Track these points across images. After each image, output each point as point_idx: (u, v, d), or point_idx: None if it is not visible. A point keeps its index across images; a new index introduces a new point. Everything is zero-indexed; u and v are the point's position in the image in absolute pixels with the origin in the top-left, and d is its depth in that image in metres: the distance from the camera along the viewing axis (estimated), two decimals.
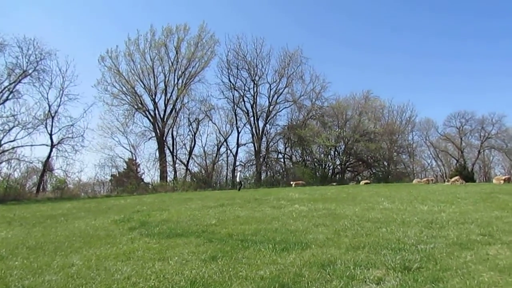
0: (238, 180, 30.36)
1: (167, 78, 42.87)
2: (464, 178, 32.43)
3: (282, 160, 50.66)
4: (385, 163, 50.14)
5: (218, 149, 46.02)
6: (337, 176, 46.97)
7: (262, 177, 43.86)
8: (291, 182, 34.03)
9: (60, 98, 36.24)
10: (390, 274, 4.89)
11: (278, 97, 47.57)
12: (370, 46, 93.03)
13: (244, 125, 47.39)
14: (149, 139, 43.15)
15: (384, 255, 5.75)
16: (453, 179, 30.50)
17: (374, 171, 50.41)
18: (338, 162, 48.93)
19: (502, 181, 26.72)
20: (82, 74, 56.64)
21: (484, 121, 52.68)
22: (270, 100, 47.34)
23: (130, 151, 42.10)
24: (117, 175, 40.74)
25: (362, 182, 35.81)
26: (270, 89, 47.55)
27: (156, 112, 42.87)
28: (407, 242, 6.63)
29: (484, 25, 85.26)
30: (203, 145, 46.41)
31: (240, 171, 31.21)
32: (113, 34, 77.99)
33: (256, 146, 46.21)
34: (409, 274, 4.83)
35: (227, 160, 47.22)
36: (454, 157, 54.56)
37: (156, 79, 42.78)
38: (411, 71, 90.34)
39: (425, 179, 36.48)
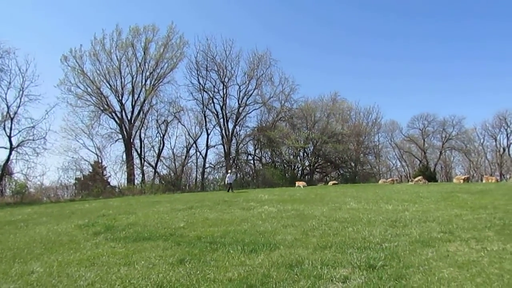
0: (228, 181, 27.83)
1: (134, 79, 41.85)
2: (427, 178, 33.65)
3: (252, 161, 50.76)
4: (352, 164, 51.27)
5: (188, 151, 45.51)
6: (306, 177, 47.51)
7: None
8: (295, 182, 33.97)
9: (20, 99, 34.29)
10: (356, 272, 5.01)
11: (247, 99, 47.66)
12: (337, 49, 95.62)
13: (214, 126, 47.13)
14: (116, 141, 41.94)
15: (350, 254, 5.88)
16: (416, 179, 31.63)
17: (341, 172, 51.43)
18: (307, 163, 49.56)
19: (461, 181, 28.02)
20: (43, 74, 53.88)
21: (445, 123, 55.05)
22: (239, 102, 47.39)
23: (96, 154, 40.67)
24: (82, 179, 39.26)
25: (330, 183, 36.38)
26: (240, 91, 47.58)
27: (123, 113, 41.72)
28: (372, 241, 6.81)
29: (447, 28, 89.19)
30: (172, 147, 45.76)
31: (230, 172, 29.89)
32: (76, 33, 75.41)
33: (225, 148, 46.05)
34: (374, 272, 4.96)
35: (197, 162, 46.76)
36: (418, 158, 56.62)
37: (123, 80, 41.64)
38: (377, 73, 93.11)
39: (390, 179, 37.59)
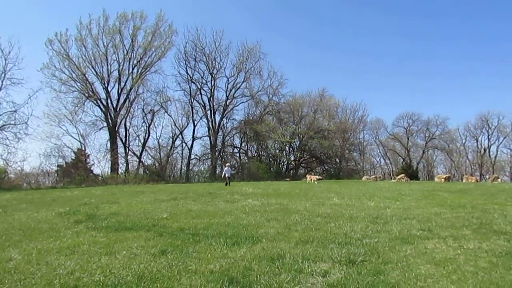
0: (227, 175, 26.83)
1: (121, 67, 41.18)
2: (409, 176, 34.30)
3: (237, 154, 50.86)
4: (337, 160, 51.78)
5: (173, 142, 45.22)
6: (291, 171, 47.83)
7: (217, 171, 43.60)
8: (307, 176, 33.63)
9: (2, 82, 33.54)
10: (336, 267, 5.08)
11: (235, 92, 47.50)
12: (326, 45, 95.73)
13: (201, 118, 46.88)
14: (100, 129, 41.34)
15: (331, 249, 5.95)
16: (399, 177, 32.25)
17: (326, 167, 51.91)
18: (292, 158, 49.89)
19: (443, 180, 28.71)
20: (27, 58, 52.18)
21: (429, 123, 56.06)
22: (227, 94, 47.21)
23: (79, 141, 40.16)
24: (64, 166, 38.67)
25: (315, 178, 36.69)
26: (228, 83, 47.38)
27: (109, 101, 41.08)
28: (353, 236, 6.91)
29: (432, 26, 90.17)
30: (158, 137, 45.36)
31: (229, 166, 29.52)
32: (61, 19, 73.32)
33: (212, 140, 45.92)
34: (353, 267, 5.04)
35: (182, 153, 46.56)
36: (401, 156, 57.49)
37: (109, 67, 40.95)
38: (364, 71, 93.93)
39: (373, 176, 38.15)
